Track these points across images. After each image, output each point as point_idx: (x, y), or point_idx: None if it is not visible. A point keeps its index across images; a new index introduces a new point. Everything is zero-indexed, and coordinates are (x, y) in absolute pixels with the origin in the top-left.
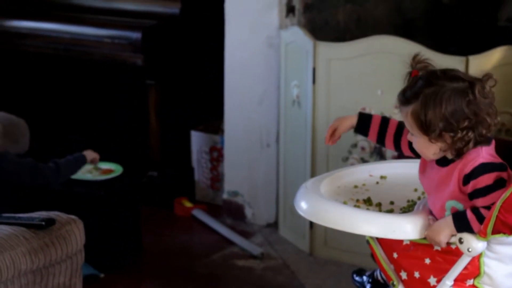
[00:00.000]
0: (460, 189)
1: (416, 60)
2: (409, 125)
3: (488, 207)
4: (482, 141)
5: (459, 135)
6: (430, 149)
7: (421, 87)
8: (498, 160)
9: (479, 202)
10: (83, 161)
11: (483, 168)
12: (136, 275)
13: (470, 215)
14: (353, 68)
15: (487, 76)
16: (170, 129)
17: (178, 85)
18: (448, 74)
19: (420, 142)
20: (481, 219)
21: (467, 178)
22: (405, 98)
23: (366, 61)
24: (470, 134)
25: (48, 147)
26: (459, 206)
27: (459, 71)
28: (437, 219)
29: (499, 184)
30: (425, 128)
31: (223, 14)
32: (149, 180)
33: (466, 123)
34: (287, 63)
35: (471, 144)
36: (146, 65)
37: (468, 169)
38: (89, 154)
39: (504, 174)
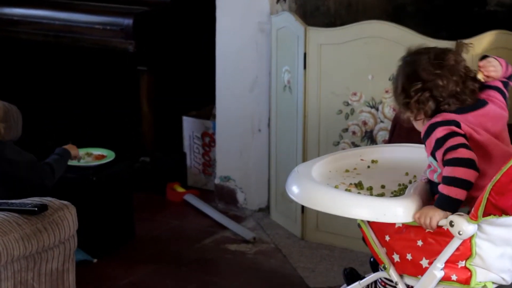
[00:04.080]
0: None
1: None
2: None
3: (450, 163)
4: (447, 103)
5: (415, 97)
6: (410, 117)
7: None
8: (446, 119)
9: (438, 155)
10: (68, 157)
11: (430, 128)
12: (129, 260)
13: (441, 187)
14: (343, 53)
15: (460, 45)
16: (162, 114)
17: (170, 71)
18: (416, 50)
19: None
20: (450, 181)
21: (423, 141)
22: None
23: (356, 46)
24: (426, 94)
25: (40, 133)
26: (434, 163)
27: (428, 46)
28: (428, 177)
29: (449, 135)
30: (397, 102)
31: (214, 0)
32: (142, 165)
33: (417, 86)
34: (278, 48)
35: (431, 103)
36: (138, 51)
37: (422, 133)
38: (72, 149)
39: (452, 128)
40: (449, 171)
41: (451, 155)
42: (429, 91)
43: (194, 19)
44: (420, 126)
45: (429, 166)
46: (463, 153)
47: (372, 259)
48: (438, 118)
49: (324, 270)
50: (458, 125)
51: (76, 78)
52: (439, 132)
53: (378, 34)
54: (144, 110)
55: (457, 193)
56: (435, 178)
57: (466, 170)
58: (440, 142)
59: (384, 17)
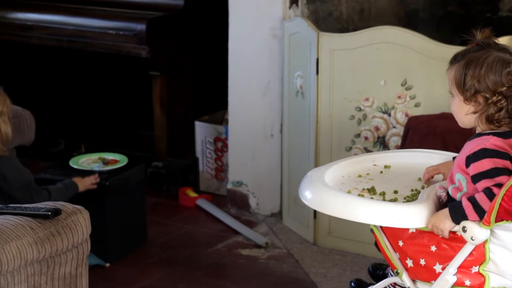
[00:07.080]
0: (463, 168)
1: (483, 34)
2: (450, 83)
3: (489, 195)
4: (507, 118)
5: (494, 98)
6: (463, 110)
7: (471, 50)
8: (502, 150)
9: (484, 183)
10: (75, 190)
11: (484, 153)
12: (141, 264)
13: (465, 203)
14: (356, 58)
15: None
16: (174, 119)
17: (183, 76)
18: (499, 46)
19: (455, 102)
20: (477, 207)
21: (468, 161)
22: (455, 58)
23: (369, 52)
24: (503, 102)
25: (53, 138)
26: (464, 182)
27: None
28: (446, 190)
29: (503, 171)
30: (462, 86)
31: (227, 6)
32: (154, 170)
33: (502, 89)
34: (290, 54)
35: (502, 113)
36: (151, 56)
37: (470, 152)
38: (80, 181)
39: (507, 163)
40: (483, 200)
41: (495, 191)
42: (506, 100)
43: (207, 24)
44: (463, 116)
45: (452, 181)
46: None
47: (370, 268)
48: (493, 142)
49: (337, 275)
50: (507, 157)
51: (89, 82)
52: (493, 163)
53: (391, 39)
54: (156, 115)
55: (475, 218)
56: (458, 197)
57: None
58: (490, 174)
59: (397, 23)
